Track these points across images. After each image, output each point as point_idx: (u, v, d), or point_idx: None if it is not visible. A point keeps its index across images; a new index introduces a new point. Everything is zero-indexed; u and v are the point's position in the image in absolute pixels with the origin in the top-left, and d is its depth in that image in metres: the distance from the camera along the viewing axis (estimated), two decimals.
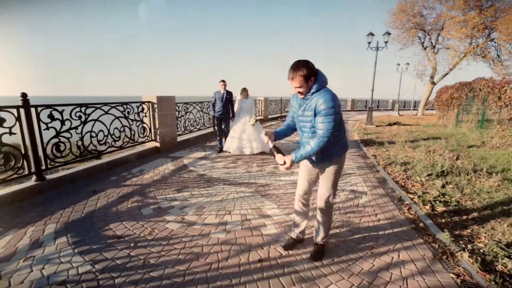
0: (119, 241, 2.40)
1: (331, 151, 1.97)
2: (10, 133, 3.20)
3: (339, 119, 1.83)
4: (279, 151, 1.97)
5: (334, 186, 2.09)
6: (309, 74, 1.79)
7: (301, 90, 1.85)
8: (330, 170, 2.03)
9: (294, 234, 2.36)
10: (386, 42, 12.60)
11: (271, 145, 2.02)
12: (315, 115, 1.84)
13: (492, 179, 3.99)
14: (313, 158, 2.04)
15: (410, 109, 27.45)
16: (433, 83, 19.82)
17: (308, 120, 1.92)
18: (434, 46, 19.17)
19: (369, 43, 12.51)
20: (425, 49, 19.72)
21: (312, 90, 1.84)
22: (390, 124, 12.65)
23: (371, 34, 12.27)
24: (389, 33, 12.49)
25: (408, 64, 22.46)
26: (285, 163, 1.91)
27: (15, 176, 3.29)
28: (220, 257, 2.20)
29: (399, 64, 23.36)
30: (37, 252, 2.22)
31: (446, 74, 19.12)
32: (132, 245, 2.35)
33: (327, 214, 2.18)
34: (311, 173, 2.17)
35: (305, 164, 2.18)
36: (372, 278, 1.96)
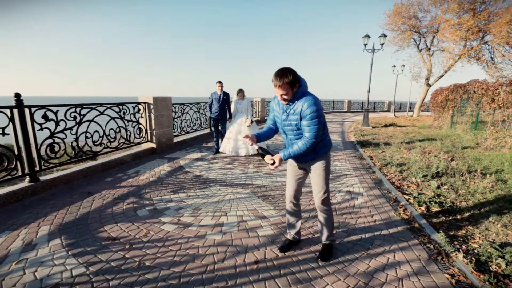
0: (114, 243, 2.38)
1: (316, 150, 2.04)
2: (3, 133, 3.16)
3: (323, 121, 1.92)
4: (266, 152, 2.01)
5: (326, 182, 2.13)
6: (294, 81, 1.83)
7: (286, 97, 1.88)
8: (318, 168, 2.09)
9: (290, 235, 2.37)
10: (382, 44, 12.71)
11: (255, 147, 2.06)
12: (300, 118, 1.90)
13: (486, 180, 4.03)
14: (300, 158, 2.09)
15: (406, 111, 27.69)
16: (429, 85, 20.00)
17: (293, 124, 1.96)
18: (429, 49, 19.36)
19: (365, 45, 12.60)
20: (420, 51, 19.91)
21: (297, 96, 1.89)
22: (386, 126, 12.73)
23: (367, 36, 12.36)
24: (385, 35, 12.60)
25: (403, 66, 22.68)
26: (274, 162, 1.96)
27: (8, 177, 3.25)
28: (216, 259, 2.18)
29: (394, 66, 23.58)
30: (30, 254, 2.19)
31: (441, 76, 19.31)
32: (127, 247, 2.33)
33: (327, 212, 2.20)
34: (298, 173, 2.22)
35: (292, 164, 2.24)
36: (368, 279, 1.97)
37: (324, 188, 2.12)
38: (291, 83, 1.82)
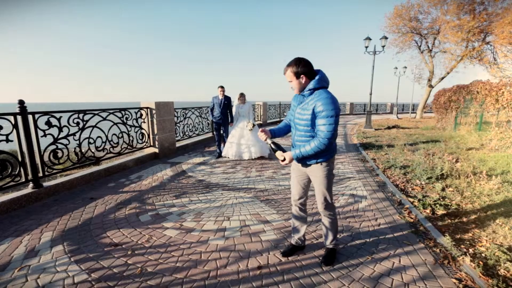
0: (116, 249, 2.37)
1: (318, 155, 1.95)
2: (7, 140, 3.19)
3: (338, 121, 1.86)
4: (278, 147, 2.01)
5: (328, 188, 2.07)
6: (298, 72, 1.86)
7: (291, 85, 1.94)
8: (319, 175, 2.02)
9: (293, 240, 2.34)
10: (383, 46, 12.71)
11: (269, 141, 2.05)
12: (313, 115, 1.86)
13: (492, 182, 3.97)
14: (301, 160, 2.03)
15: (408, 112, 27.57)
16: (431, 86, 19.93)
17: (304, 119, 1.92)
18: (431, 50, 19.33)
19: (366, 47, 12.61)
20: (422, 52, 19.88)
21: (310, 86, 1.88)
22: (389, 127, 12.66)
23: (368, 38, 12.37)
24: (386, 38, 12.60)
25: (405, 67, 22.65)
26: (285, 159, 1.96)
27: (12, 183, 3.27)
28: (218, 264, 2.16)
29: (396, 68, 23.55)
30: (32, 261, 2.18)
31: (443, 77, 19.24)
32: (129, 253, 2.31)
33: (330, 216, 2.17)
34: (302, 176, 2.17)
35: (295, 167, 2.19)
36: (373, 285, 1.93)
37: (326, 194, 2.07)
38: (295, 73, 1.86)
